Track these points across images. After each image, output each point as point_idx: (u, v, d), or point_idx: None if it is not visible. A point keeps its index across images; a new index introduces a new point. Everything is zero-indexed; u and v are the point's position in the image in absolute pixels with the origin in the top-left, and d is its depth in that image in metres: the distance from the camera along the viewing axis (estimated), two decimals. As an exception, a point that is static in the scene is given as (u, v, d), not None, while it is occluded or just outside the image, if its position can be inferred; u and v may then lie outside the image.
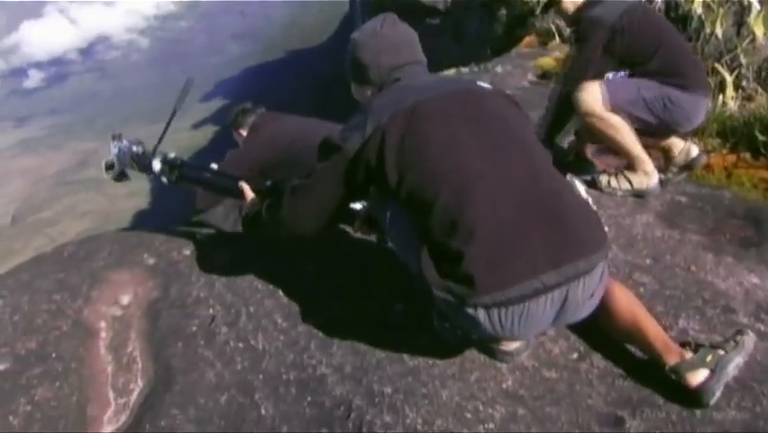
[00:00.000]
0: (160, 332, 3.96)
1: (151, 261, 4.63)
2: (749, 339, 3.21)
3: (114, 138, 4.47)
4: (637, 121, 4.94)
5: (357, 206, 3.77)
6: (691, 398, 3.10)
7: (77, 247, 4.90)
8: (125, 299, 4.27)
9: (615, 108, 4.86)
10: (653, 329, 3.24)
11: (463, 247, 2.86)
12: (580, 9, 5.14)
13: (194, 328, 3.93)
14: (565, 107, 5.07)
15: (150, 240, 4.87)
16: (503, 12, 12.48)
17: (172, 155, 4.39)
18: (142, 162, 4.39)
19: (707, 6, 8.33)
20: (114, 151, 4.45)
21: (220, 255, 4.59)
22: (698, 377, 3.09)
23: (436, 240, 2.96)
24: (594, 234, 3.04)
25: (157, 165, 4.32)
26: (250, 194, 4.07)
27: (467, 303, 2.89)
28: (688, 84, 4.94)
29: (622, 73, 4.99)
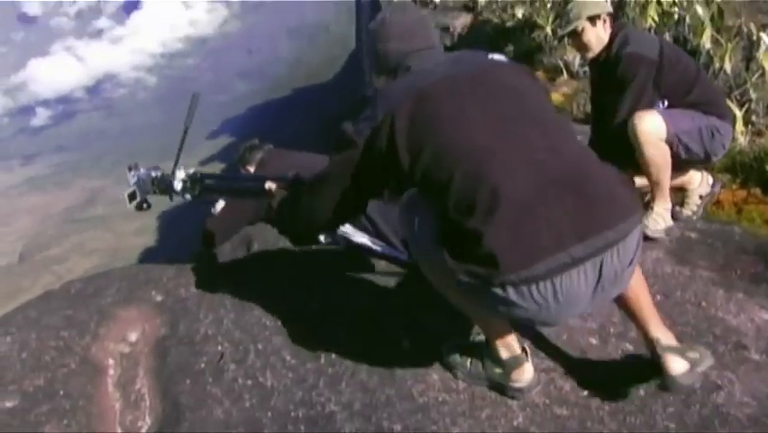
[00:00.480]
0: (168, 369, 3.95)
1: (159, 297, 4.63)
2: (709, 358, 3.31)
3: (130, 168, 4.46)
4: (686, 151, 4.91)
5: None
6: (664, 382, 3.25)
7: (84, 284, 4.90)
8: (133, 336, 4.26)
9: (671, 138, 4.81)
10: (651, 305, 3.33)
11: (482, 226, 2.77)
12: (606, 45, 5.09)
13: (202, 365, 3.92)
14: (620, 142, 4.98)
15: (158, 277, 4.87)
16: (510, 48, 12.51)
17: (191, 171, 4.37)
18: (163, 184, 4.37)
19: (715, 41, 8.36)
20: (133, 180, 4.44)
21: (228, 292, 4.58)
22: (679, 367, 3.21)
23: (454, 221, 2.88)
24: (623, 200, 2.95)
25: (178, 184, 4.30)
26: (280, 192, 3.97)
27: (493, 284, 2.79)
28: (723, 113, 5.00)
29: (662, 104, 4.96)
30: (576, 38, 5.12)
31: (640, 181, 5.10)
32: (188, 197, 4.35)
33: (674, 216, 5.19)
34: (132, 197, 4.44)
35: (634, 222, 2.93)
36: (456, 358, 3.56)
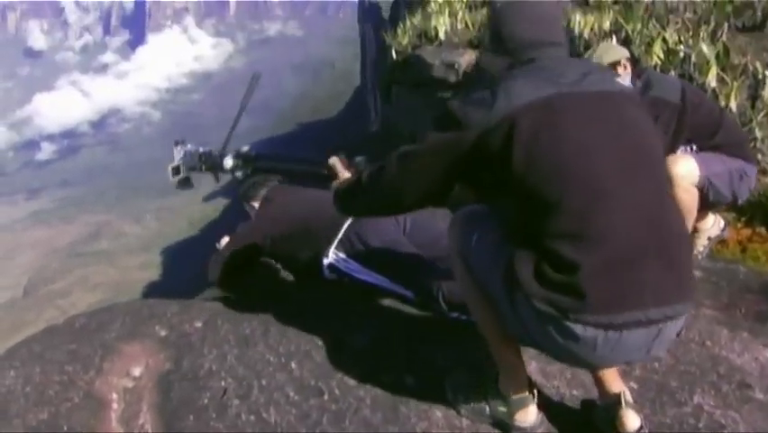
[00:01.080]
0: (171, 404, 3.93)
1: (163, 332, 4.62)
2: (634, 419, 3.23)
3: (177, 143, 4.38)
4: (715, 195, 4.91)
5: None
6: None
7: (88, 318, 4.89)
8: (137, 371, 4.25)
9: (702, 181, 4.81)
10: None
11: (582, 259, 2.72)
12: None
13: (205, 401, 3.91)
14: None
15: (162, 311, 4.86)
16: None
17: (245, 148, 4.30)
18: (212, 161, 4.28)
19: (721, 79, 8.36)
20: (179, 154, 4.35)
21: (232, 328, 4.57)
22: (635, 423, 3.15)
23: (548, 246, 2.80)
24: (692, 277, 2.98)
25: (229, 162, 4.20)
26: (344, 172, 3.82)
27: (569, 318, 2.75)
28: (748, 155, 5.01)
29: (691, 148, 4.96)
30: None
31: None
32: (239, 174, 4.27)
33: None
34: (175, 171, 4.32)
35: (693, 299, 2.96)
36: (459, 395, 3.54)
